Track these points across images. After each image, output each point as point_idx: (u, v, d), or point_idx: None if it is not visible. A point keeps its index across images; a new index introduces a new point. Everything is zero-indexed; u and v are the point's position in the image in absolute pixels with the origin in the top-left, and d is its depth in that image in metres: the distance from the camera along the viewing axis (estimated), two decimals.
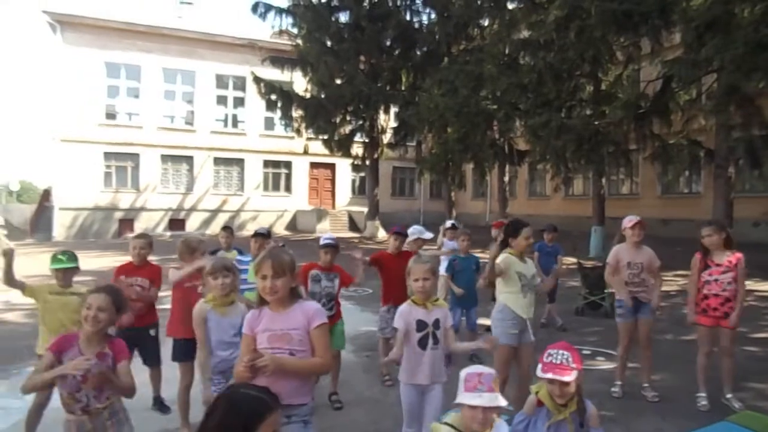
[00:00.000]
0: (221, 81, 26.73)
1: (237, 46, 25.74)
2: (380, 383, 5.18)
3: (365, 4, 21.35)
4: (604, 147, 13.94)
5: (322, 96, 21.46)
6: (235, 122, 27.45)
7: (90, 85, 23.61)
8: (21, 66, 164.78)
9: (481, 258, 7.06)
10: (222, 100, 26.99)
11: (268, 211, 27.10)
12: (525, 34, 16.43)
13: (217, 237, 7.01)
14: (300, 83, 22.55)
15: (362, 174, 27.98)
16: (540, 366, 2.46)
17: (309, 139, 23.18)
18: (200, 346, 3.38)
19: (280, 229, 26.84)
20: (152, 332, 4.42)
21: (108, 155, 24.36)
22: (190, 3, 29.55)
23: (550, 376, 2.40)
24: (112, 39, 23.88)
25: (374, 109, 21.55)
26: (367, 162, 23.45)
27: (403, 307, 3.21)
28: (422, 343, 3.12)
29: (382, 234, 22.50)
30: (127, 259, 4.62)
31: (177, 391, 4.09)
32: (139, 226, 23.29)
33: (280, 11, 21.99)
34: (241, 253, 6.14)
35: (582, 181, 22.64)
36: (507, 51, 16.54)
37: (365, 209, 25.08)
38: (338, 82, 21.18)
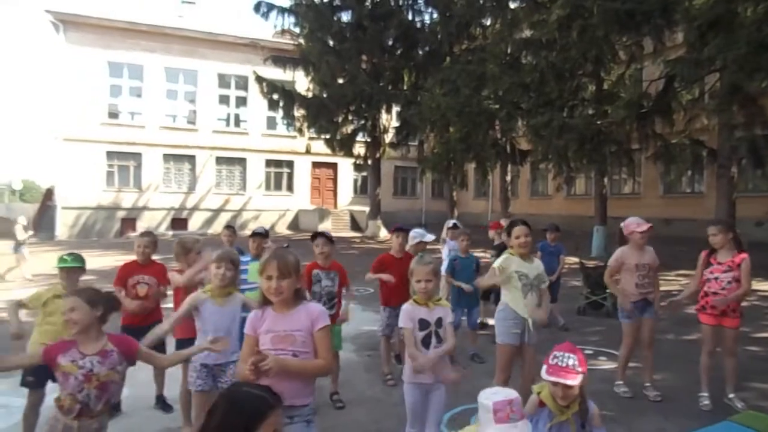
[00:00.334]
0: (223, 80, 26.75)
1: (239, 45, 25.76)
2: (382, 383, 5.18)
3: (367, 3, 21.34)
4: (607, 146, 13.92)
5: (324, 95, 21.46)
6: (238, 122, 27.48)
7: (93, 85, 23.65)
8: (24, 65, 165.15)
9: (482, 258, 7.07)
10: (224, 100, 27.01)
11: (270, 210, 27.12)
12: (527, 33, 16.41)
13: (219, 236, 7.03)
14: (302, 83, 22.56)
15: (364, 173, 27.97)
16: (545, 367, 2.43)
17: (311, 138, 23.18)
18: (168, 320, 3.39)
19: (282, 229, 26.87)
20: None
21: (110, 154, 24.40)
22: (192, 2, 29.58)
23: (554, 379, 2.38)
24: (115, 38, 23.92)
25: (376, 108, 21.54)
26: (369, 161, 23.44)
27: (406, 307, 3.22)
28: (425, 342, 3.13)
29: (383, 233, 22.50)
30: (129, 257, 4.64)
31: (179, 390, 4.09)
32: (142, 226, 23.30)
33: (282, 11, 21.99)
34: (241, 253, 6.14)
35: (584, 181, 22.61)
36: (509, 50, 16.52)
37: (367, 209, 25.08)
38: (340, 81, 21.18)
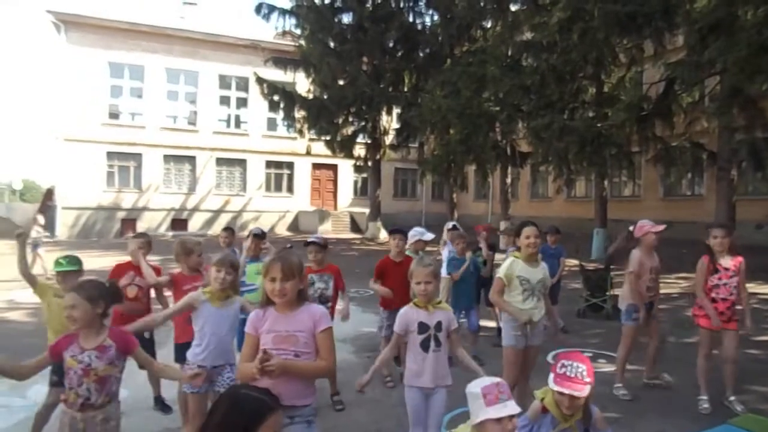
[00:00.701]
0: (224, 81, 26.77)
1: (240, 46, 25.79)
2: (382, 384, 5.18)
3: (368, 5, 21.38)
4: (607, 149, 13.93)
5: (325, 97, 21.48)
6: (238, 123, 27.49)
7: (93, 85, 23.67)
8: (25, 65, 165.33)
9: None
10: (225, 101, 27.03)
11: (270, 211, 27.13)
12: (528, 35, 16.44)
13: (218, 237, 7.02)
14: (303, 84, 22.58)
15: (364, 175, 27.99)
16: (552, 376, 2.41)
17: (311, 140, 23.19)
18: (163, 312, 3.40)
19: (282, 230, 26.87)
20: (146, 334, 4.39)
21: (111, 155, 24.42)
22: (193, 3, 29.63)
23: (563, 390, 2.34)
24: (116, 39, 23.94)
25: (377, 110, 21.56)
26: (369, 163, 23.45)
27: (404, 310, 3.21)
28: (424, 346, 3.12)
29: (383, 235, 22.51)
30: (128, 258, 4.63)
31: (177, 391, 4.09)
32: (142, 226, 23.32)
33: (283, 12, 22.02)
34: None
35: (584, 183, 22.62)
36: (510, 53, 16.55)
37: (367, 210, 25.08)
38: (341, 83, 21.21)
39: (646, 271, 4.78)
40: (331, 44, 21.35)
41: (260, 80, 21.91)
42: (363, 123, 22.60)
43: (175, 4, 29.10)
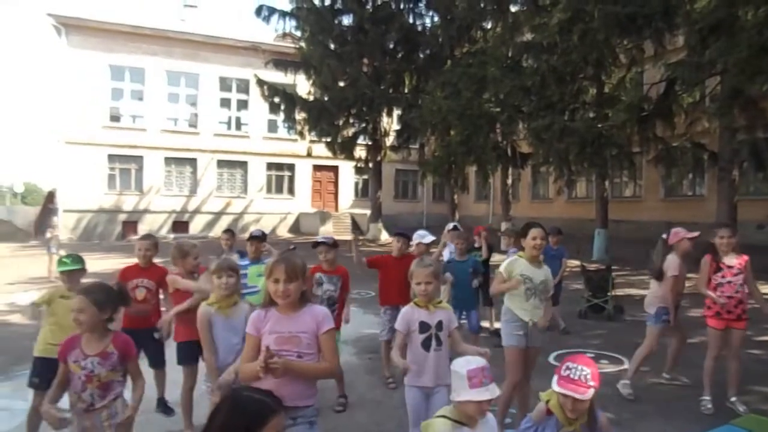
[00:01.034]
0: (225, 84, 26.81)
1: (240, 48, 25.81)
2: (383, 385, 5.18)
3: (368, 6, 21.40)
4: (607, 150, 13.92)
5: (325, 99, 21.50)
6: (239, 125, 27.51)
7: (94, 88, 23.71)
8: (26, 68, 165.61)
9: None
10: (225, 103, 27.06)
11: (272, 213, 27.14)
12: (528, 36, 16.44)
13: (218, 240, 7.02)
14: (303, 86, 22.59)
15: (365, 176, 28.00)
16: (556, 378, 2.40)
17: (312, 141, 23.21)
18: (206, 349, 3.32)
19: (283, 232, 26.87)
20: (156, 335, 4.41)
21: (112, 157, 24.45)
22: (194, 6, 29.66)
23: (566, 392, 2.34)
24: (117, 42, 23.98)
25: (377, 111, 21.57)
26: (370, 164, 23.45)
27: (406, 309, 3.22)
28: (425, 345, 3.13)
29: (384, 236, 22.51)
30: (131, 260, 4.63)
31: (180, 393, 4.09)
32: (143, 229, 23.34)
33: (283, 14, 22.04)
34: (242, 256, 6.13)
35: (585, 184, 22.60)
36: (510, 54, 16.55)
37: (368, 212, 25.08)
38: (341, 84, 21.22)
39: (683, 276, 4.87)
40: (332, 46, 21.37)
41: (261, 82, 21.93)
42: (364, 124, 22.61)
43: (175, 7, 29.19)
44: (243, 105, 27.27)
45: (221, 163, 26.63)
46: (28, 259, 16.03)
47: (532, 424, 2.54)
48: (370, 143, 23.10)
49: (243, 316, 3.33)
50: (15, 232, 25.96)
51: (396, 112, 22.64)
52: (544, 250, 7.09)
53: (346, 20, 21.90)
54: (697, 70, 11.85)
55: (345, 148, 22.55)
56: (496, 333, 6.12)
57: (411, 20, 22.13)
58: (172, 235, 23.65)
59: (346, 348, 6.30)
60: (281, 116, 23.24)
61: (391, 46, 22.11)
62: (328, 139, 22.47)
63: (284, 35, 23.68)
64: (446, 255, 7.05)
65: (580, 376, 2.34)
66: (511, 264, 3.97)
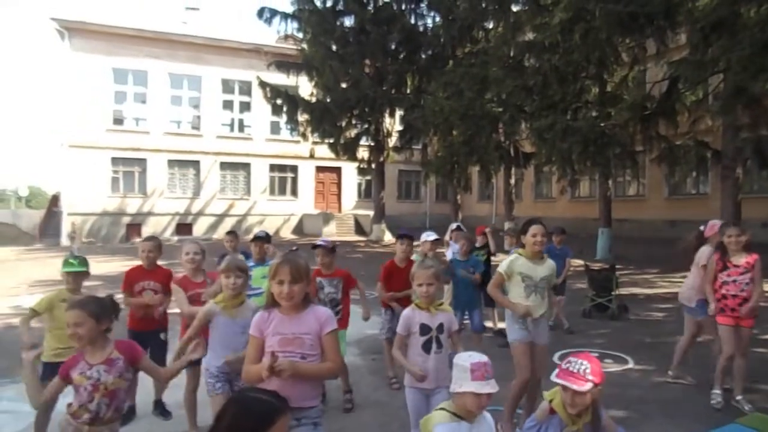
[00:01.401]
0: (227, 86, 26.87)
1: (243, 51, 25.87)
2: (387, 386, 5.18)
3: (370, 8, 21.43)
4: (610, 149, 13.89)
5: (328, 100, 21.54)
6: (242, 127, 27.57)
7: (97, 91, 23.81)
8: (30, 72, 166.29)
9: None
10: (228, 105, 27.13)
11: (275, 215, 27.18)
12: (530, 36, 16.41)
13: (221, 241, 7.02)
14: (305, 87, 22.64)
15: (368, 177, 28.01)
16: (556, 371, 2.42)
17: (315, 143, 23.25)
18: (191, 328, 3.32)
19: (286, 234, 26.91)
20: (162, 336, 4.44)
21: (115, 160, 24.54)
22: (196, 9, 29.77)
23: (562, 382, 2.36)
24: (120, 45, 24.08)
25: (380, 112, 21.60)
26: (373, 165, 23.48)
27: (407, 312, 3.22)
28: (426, 347, 3.13)
29: (388, 237, 22.51)
30: (134, 263, 4.64)
31: (183, 394, 4.10)
32: (147, 231, 23.42)
33: (285, 16, 22.10)
34: (247, 257, 6.13)
35: (588, 183, 22.56)
36: (512, 53, 16.52)
37: (371, 213, 25.10)
38: (343, 86, 21.25)
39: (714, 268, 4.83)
40: (334, 47, 21.41)
41: (263, 84, 21.99)
42: (366, 125, 22.64)
43: (177, 10, 29.27)
44: (246, 107, 27.32)
45: (224, 165, 26.69)
46: (33, 262, 16.10)
47: (535, 423, 2.54)
48: (372, 144, 23.13)
49: (247, 316, 3.33)
50: (20, 236, 26.07)
51: (398, 113, 22.65)
52: (548, 249, 7.14)
53: (348, 21, 21.95)
54: (700, 69, 11.82)
55: (348, 149, 22.58)
56: (500, 333, 6.12)
57: (413, 21, 22.15)
58: (175, 238, 23.72)
59: (348, 349, 6.29)
60: (284, 118, 23.31)
61: (393, 46, 22.13)
62: (331, 141, 22.51)
63: (286, 37, 23.72)
64: (449, 255, 7.06)
65: (579, 369, 2.36)
66: (511, 263, 3.94)
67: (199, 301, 3.92)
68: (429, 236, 5.57)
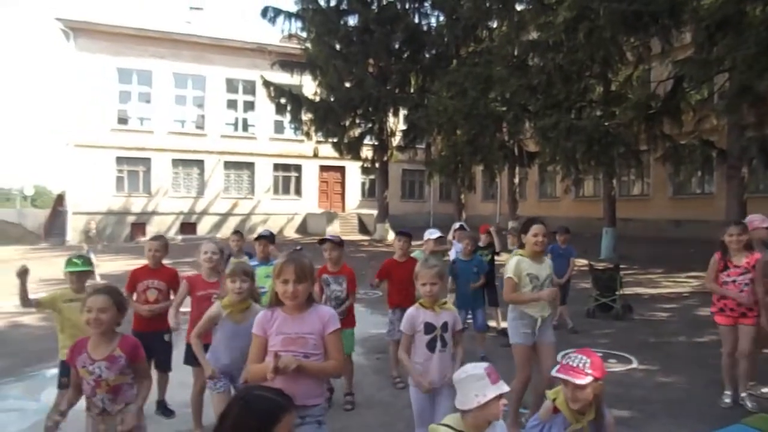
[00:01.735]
0: (231, 85, 26.92)
1: (247, 50, 25.91)
2: (391, 385, 5.18)
3: (374, 7, 21.42)
4: (615, 148, 13.84)
5: (332, 99, 21.55)
6: (246, 126, 27.62)
7: (102, 91, 23.90)
8: (35, 72, 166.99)
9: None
10: (232, 104, 27.18)
11: (279, 214, 27.22)
12: (534, 35, 16.36)
13: (227, 241, 7.03)
14: (309, 87, 22.65)
15: (372, 177, 28.03)
16: (557, 366, 2.44)
17: (318, 142, 23.27)
18: (198, 327, 3.38)
19: (290, 233, 26.94)
20: (166, 337, 4.42)
21: (120, 160, 24.63)
22: (200, 8, 29.82)
23: (562, 376, 2.37)
24: (124, 45, 24.15)
25: (383, 111, 21.58)
26: (377, 165, 23.48)
27: (411, 311, 3.22)
28: (430, 346, 3.13)
29: (391, 236, 22.49)
30: (139, 262, 4.66)
31: (191, 394, 4.10)
32: (151, 230, 23.48)
33: (289, 15, 22.11)
34: (251, 257, 6.14)
35: (592, 183, 22.50)
36: (516, 53, 16.49)
37: (375, 212, 25.10)
38: (347, 85, 21.25)
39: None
40: (337, 47, 21.40)
41: (267, 83, 22.01)
42: (370, 125, 22.63)
43: (181, 10, 29.34)
44: (249, 106, 27.37)
45: (228, 165, 26.74)
46: (38, 261, 16.15)
47: (539, 422, 2.54)
48: (376, 143, 23.12)
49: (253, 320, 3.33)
50: (25, 235, 26.20)
51: (402, 112, 22.66)
52: (552, 248, 7.14)
53: (352, 21, 21.95)
54: (705, 67, 11.76)
55: (351, 149, 22.59)
56: (503, 332, 6.11)
57: (416, 20, 22.13)
58: (180, 237, 23.79)
59: (354, 348, 6.31)
60: (288, 117, 23.34)
61: (397, 46, 22.12)
62: (335, 140, 22.51)
63: (290, 36, 23.73)
64: (452, 254, 7.06)
65: (579, 363, 2.37)
66: (517, 266, 3.92)
67: (210, 301, 3.91)
68: (432, 234, 5.58)
